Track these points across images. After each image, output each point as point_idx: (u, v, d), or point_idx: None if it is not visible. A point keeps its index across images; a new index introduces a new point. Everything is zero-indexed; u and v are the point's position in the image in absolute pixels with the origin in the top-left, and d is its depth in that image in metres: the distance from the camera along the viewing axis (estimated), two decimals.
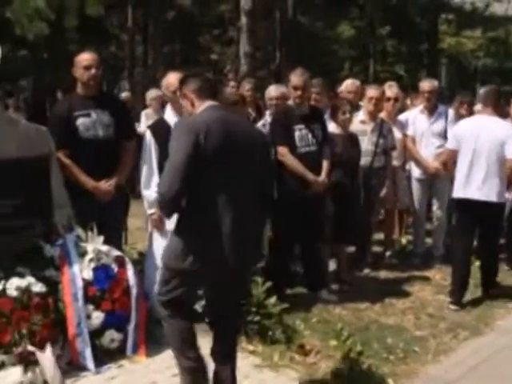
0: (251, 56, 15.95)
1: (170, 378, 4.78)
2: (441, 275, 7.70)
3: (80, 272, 4.98)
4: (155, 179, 5.72)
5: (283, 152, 6.45)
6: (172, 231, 4.18)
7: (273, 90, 7.38)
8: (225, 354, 4.31)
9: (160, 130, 5.82)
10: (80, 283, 4.90)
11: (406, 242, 8.86)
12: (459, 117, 8.35)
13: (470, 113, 8.80)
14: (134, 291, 5.17)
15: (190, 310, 4.36)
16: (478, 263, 7.19)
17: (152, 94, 10.80)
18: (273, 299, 5.57)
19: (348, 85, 8.46)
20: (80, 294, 4.88)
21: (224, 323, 4.34)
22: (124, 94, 10.79)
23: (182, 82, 4.22)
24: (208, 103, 4.08)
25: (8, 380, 4.51)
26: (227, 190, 3.94)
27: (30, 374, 4.58)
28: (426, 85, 8.20)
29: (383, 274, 7.73)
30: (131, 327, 5.12)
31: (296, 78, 6.62)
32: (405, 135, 8.15)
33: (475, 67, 34.56)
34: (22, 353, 4.58)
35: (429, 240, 8.55)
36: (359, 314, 6.38)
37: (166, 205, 3.99)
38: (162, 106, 8.48)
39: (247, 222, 4.04)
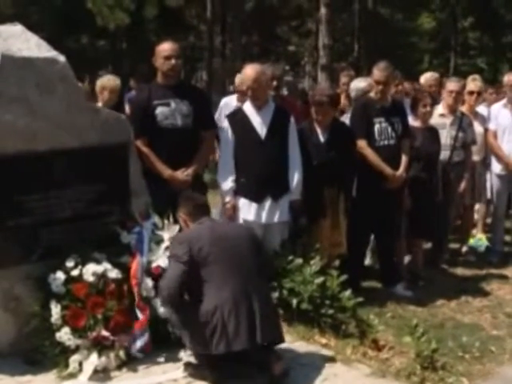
0: (330, 48, 15.85)
1: None
2: None
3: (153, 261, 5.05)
4: (232, 169, 5.76)
5: (362, 145, 6.39)
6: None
7: (361, 82, 7.32)
8: None
9: (237, 121, 5.84)
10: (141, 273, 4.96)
11: (485, 239, 8.65)
12: None
13: None
14: None
15: None
16: None
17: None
18: (347, 293, 5.52)
19: (427, 78, 8.31)
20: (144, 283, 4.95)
21: None
22: None
23: (179, 205, 4.92)
24: (201, 219, 4.76)
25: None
26: (228, 286, 4.48)
27: (103, 359, 4.65)
28: (510, 78, 7.98)
29: (460, 271, 7.58)
30: None
31: (379, 72, 6.51)
32: (486, 129, 7.96)
33: None
34: (96, 337, 4.66)
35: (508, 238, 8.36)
36: (434, 311, 6.28)
37: (166, 304, 4.70)
38: None
39: (252, 301, 4.51)
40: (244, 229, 4.95)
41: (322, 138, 6.27)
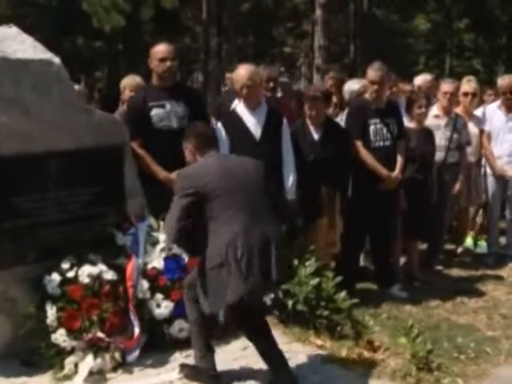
0: (325, 49, 15.88)
1: (237, 369, 4.80)
2: None
3: (148, 262, 5.07)
4: None
5: (357, 146, 6.40)
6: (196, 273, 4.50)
7: (355, 84, 7.33)
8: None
9: (231, 122, 5.85)
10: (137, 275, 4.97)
11: (479, 240, 8.67)
12: None
13: None
14: None
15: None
16: None
17: None
18: (342, 294, 5.54)
19: (423, 79, 8.33)
20: (139, 285, 4.96)
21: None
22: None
23: (186, 137, 4.73)
24: (209, 153, 4.56)
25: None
26: (235, 214, 4.30)
27: (99, 360, 4.66)
28: (504, 82, 8.01)
29: (455, 272, 7.60)
30: None
31: (373, 72, 6.53)
32: (481, 131, 7.97)
33: None
34: (91, 339, 4.66)
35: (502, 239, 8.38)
36: (430, 312, 6.29)
37: (172, 241, 4.59)
38: None
39: (267, 246, 4.31)
40: (254, 166, 4.62)
41: (315, 136, 6.31)
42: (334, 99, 7.17)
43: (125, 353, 4.78)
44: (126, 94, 7.11)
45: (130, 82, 7.24)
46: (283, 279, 4.68)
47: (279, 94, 7.38)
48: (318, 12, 15.84)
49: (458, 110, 7.78)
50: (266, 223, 4.37)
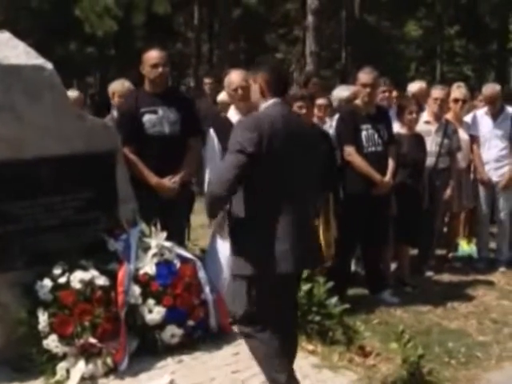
0: (317, 55, 15.90)
1: (229, 374, 4.82)
2: (505, 280, 7.58)
3: (140, 268, 5.08)
4: None
5: (350, 151, 6.43)
6: (231, 239, 4.11)
7: (344, 91, 7.37)
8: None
9: (223, 129, 5.85)
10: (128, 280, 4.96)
11: (471, 245, 8.70)
12: None
13: None
14: (206, 287, 5.32)
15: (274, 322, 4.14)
16: None
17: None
18: (334, 299, 5.56)
19: (418, 86, 8.39)
20: (131, 290, 4.95)
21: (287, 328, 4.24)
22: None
23: (257, 68, 4.18)
24: (275, 99, 4.03)
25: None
26: (285, 190, 3.90)
27: (91, 366, 4.65)
28: (487, 91, 8.07)
29: (446, 278, 7.63)
30: (211, 311, 5.31)
31: (366, 75, 6.58)
32: (471, 136, 8.02)
33: None
34: (83, 345, 4.66)
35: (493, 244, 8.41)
36: (421, 317, 6.31)
37: (212, 202, 3.99)
38: None
39: (305, 223, 4.04)
40: (316, 131, 4.46)
41: None
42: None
43: (115, 360, 4.78)
44: (116, 100, 7.10)
45: (118, 88, 7.20)
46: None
47: None
48: (310, 18, 15.86)
49: (449, 116, 7.82)
50: (309, 224, 4.15)
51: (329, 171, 4.55)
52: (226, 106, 8.36)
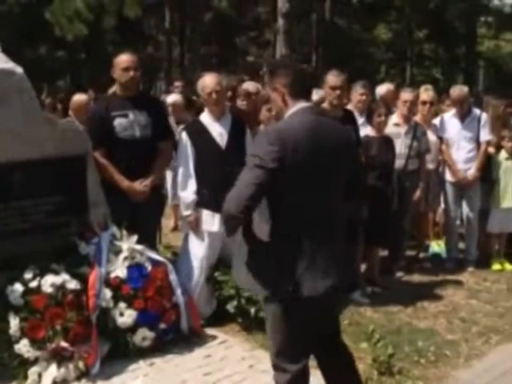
0: (287, 58, 15.95)
1: (201, 376, 4.85)
2: (474, 279, 7.66)
3: (112, 271, 5.09)
4: (192, 181, 5.77)
5: None
6: (249, 258, 3.69)
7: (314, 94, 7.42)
8: None
9: (196, 132, 5.86)
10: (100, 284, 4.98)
11: (439, 246, 8.79)
12: (496, 121, 8.33)
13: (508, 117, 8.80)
14: (178, 290, 5.35)
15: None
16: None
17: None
18: None
19: (386, 88, 8.47)
20: (102, 293, 4.97)
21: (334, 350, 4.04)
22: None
23: (273, 73, 3.74)
24: (300, 104, 3.62)
25: None
26: (310, 210, 3.53)
27: (62, 370, 4.66)
28: (455, 93, 8.17)
29: (416, 278, 7.69)
30: (183, 313, 5.33)
31: (334, 78, 6.62)
32: (439, 138, 8.12)
33: None
34: (55, 349, 4.66)
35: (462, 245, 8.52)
36: (391, 317, 6.36)
37: (228, 221, 3.56)
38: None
39: (336, 244, 3.68)
40: (347, 136, 3.85)
41: None
42: None
43: (87, 364, 4.79)
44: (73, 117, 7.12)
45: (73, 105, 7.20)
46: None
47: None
48: (280, 21, 15.92)
49: (417, 118, 7.90)
50: (338, 215, 3.71)
51: (355, 178, 3.95)
52: (177, 109, 8.43)
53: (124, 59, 5.77)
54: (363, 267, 7.32)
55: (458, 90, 8.23)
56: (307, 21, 27.96)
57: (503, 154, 8.20)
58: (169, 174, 7.84)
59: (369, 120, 7.10)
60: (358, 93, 7.66)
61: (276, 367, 3.77)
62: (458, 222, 8.48)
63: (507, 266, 8.16)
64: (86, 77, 24.80)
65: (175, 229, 8.86)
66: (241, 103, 7.52)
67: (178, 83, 10.42)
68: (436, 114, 8.67)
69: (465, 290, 7.32)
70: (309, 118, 3.58)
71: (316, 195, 3.52)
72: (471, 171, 8.01)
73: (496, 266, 8.16)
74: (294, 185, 3.46)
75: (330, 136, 3.60)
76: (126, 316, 4.99)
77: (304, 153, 3.43)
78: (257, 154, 3.44)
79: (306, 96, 3.70)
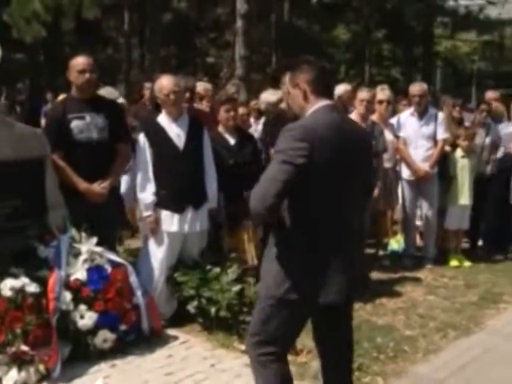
0: (247, 59, 15.99)
1: (163, 377, 4.87)
2: (432, 276, 7.79)
3: (71, 274, 5.08)
4: (151, 182, 5.79)
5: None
6: (269, 254, 3.58)
7: (271, 95, 7.48)
8: None
9: (154, 133, 5.89)
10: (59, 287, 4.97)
11: (397, 243, 8.90)
12: (452, 120, 8.47)
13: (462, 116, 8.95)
14: (138, 291, 5.36)
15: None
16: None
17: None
18: None
19: (344, 89, 8.56)
20: (62, 296, 4.96)
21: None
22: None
23: (294, 69, 3.63)
24: (322, 102, 3.54)
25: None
26: (333, 209, 3.45)
27: (23, 374, 4.64)
28: (415, 89, 8.30)
29: (375, 275, 7.77)
30: (143, 315, 5.34)
31: None
32: (396, 137, 8.22)
33: (471, 70, 34.62)
34: (15, 352, 4.64)
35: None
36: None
37: (255, 217, 3.54)
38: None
39: (354, 245, 3.61)
40: (366, 136, 3.80)
41: (231, 141, 6.49)
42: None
43: (48, 367, 4.78)
44: None
45: None
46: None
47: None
48: (239, 23, 15.93)
49: (374, 117, 7.99)
50: (358, 245, 3.68)
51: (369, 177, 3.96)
52: None
53: (80, 61, 5.76)
54: None
55: (418, 86, 8.37)
56: (266, 22, 28.03)
57: (459, 152, 8.35)
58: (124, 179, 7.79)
59: None
60: None
61: (258, 346, 3.66)
62: (417, 221, 8.61)
63: (464, 262, 8.31)
64: (46, 79, 24.56)
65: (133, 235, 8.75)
66: (200, 105, 7.57)
67: (148, 85, 10.24)
68: (394, 113, 8.78)
69: (423, 286, 7.43)
70: (332, 116, 3.51)
71: (339, 194, 3.45)
72: (425, 167, 8.14)
73: (454, 263, 8.31)
74: (318, 183, 3.36)
75: (352, 135, 3.55)
76: (86, 318, 4.99)
77: (330, 150, 3.35)
78: (283, 150, 3.35)
79: (328, 93, 3.65)
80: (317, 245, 3.42)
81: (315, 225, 3.43)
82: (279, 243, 3.51)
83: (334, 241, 3.45)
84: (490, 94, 9.85)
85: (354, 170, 3.49)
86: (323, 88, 3.57)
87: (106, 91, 7.25)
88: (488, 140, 8.90)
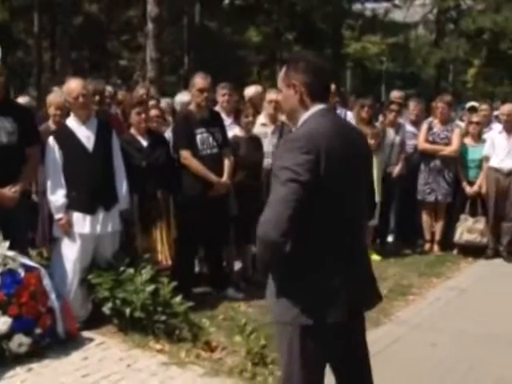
0: (158, 61, 16.02)
1: (79, 378, 4.89)
2: None
3: None
4: (61, 184, 5.79)
5: (186, 155, 6.60)
6: (274, 279, 3.24)
7: (185, 96, 7.57)
8: None
9: (63, 136, 5.89)
10: None
11: None
12: (360, 120, 8.68)
13: (371, 116, 9.19)
14: (52, 294, 5.35)
15: None
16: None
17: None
18: (178, 298, 5.69)
19: (254, 90, 8.68)
20: None
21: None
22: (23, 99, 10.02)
23: (290, 67, 3.25)
24: (318, 106, 3.20)
25: None
26: (341, 225, 3.16)
27: None
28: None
29: None
30: (58, 318, 5.33)
31: (202, 80, 6.77)
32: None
33: (379, 71, 35.45)
34: None
35: None
36: (264, 311, 6.44)
37: (267, 248, 3.03)
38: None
39: (362, 256, 3.40)
40: (365, 140, 3.48)
41: (144, 143, 6.52)
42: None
43: None
44: (52, 112, 6.92)
45: (56, 100, 6.99)
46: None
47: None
48: (150, 25, 15.93)
49: (284, 118, 8.13)
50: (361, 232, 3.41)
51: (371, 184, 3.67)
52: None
53: None
54: (238, 264, 7.49)
55: None
56: (179, 24, 28.03)
57: None
58: None
59: (237, 121, 7.29)
60: (220, 94, 7.84)
61: None
62: None
63: (374, 256, 8.54)
64: None
65: None
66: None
67: (56, 88, 10.14)
68: None
69: None
70: (332, 121, 3.22)
71: (346, 202, 3.15)
72: None
73: None
74: (326, 193, 3.04)
75: (354, 140, 3.26)
76: (0, 323, 4.96)
77: (336, 158, 3.04)
78: (288, 167, 2.97)
79: (326, 96, 3.29)
80: (323, 262, 3.12)
81: (324, 243, 3.12)
82: (285, 265, 3.14)
83: (340, 257, 3.17)
84: (395, 94, 10.15)
85: (359, 176, 3.25)
86: (321, 91, 3.23)
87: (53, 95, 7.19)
88: (398, 139, 9.17)
